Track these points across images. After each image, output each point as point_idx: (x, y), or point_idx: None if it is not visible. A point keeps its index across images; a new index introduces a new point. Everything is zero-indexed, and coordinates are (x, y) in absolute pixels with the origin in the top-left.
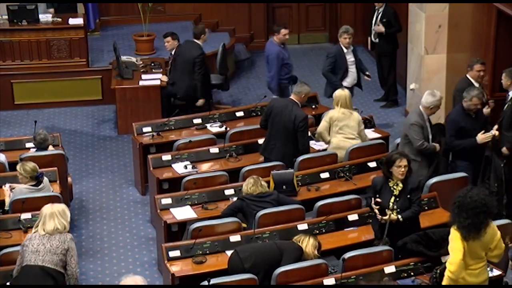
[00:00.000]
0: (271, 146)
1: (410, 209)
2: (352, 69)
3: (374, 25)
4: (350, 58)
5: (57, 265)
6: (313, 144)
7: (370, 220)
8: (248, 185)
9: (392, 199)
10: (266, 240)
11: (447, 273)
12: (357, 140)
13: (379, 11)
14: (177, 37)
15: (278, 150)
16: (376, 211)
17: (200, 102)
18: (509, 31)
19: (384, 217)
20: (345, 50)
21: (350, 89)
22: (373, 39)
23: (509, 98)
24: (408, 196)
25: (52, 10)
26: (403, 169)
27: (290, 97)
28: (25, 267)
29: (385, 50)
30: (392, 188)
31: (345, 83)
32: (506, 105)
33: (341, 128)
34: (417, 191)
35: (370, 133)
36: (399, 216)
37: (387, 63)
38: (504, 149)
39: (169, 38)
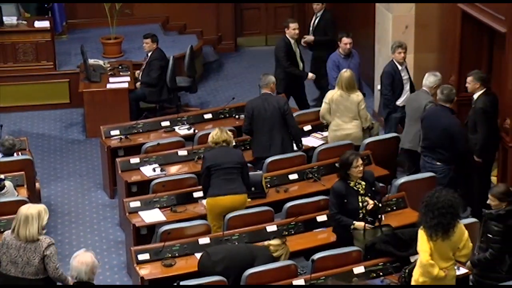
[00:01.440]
0: (266, 144)
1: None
2: (407, 87)
3: (311, 29)
4: (404, 75)
5: (38, 274)
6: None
7: (337, 229)
8: (214, 135)
9: (360, 199)
10: (236, 242)
11: (418, 278)
12: (354, 122)
13: (317, 16)
14: (157, 40)
15: (276, 144)
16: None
17: None
18: (474, 32)
19: (369, 207)
20: (399, 67)
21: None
22: (304, 45)
23: (474, 101)
24: (373, 188)
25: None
26: (360, 168)
27: (262, 92)
28: (4, 275)
29: (320, 55)
30: (355, 188)
31: (398, 103)
32: (471, 109)
33: (338, 111)
34: (375, 181)
35: None
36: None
37: (323, 68)
38: (475, 157)
39: (148, 40)
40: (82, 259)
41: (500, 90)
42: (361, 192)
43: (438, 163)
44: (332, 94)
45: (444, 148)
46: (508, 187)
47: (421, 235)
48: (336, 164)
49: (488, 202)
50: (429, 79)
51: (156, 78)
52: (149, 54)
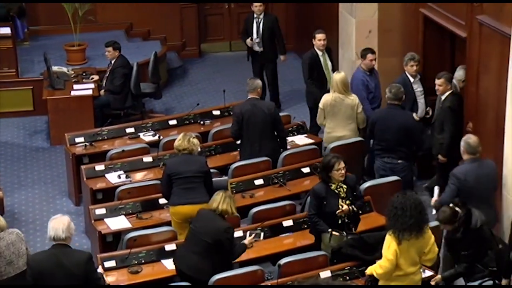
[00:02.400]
0: (255, 149)
1: (359, 201)
2: (421, 100)
3: (256, 34)
4: (417, 87)
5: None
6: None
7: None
8: (176, 143)
9: (340, 201)
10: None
11: (374, 273)
12: (350, 126)
13: (259, 19)
14: (118, 47)
15: (265, 148)
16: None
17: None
18: (436, 36)
19: (342, 209)
20: (411, 80)
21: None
22: (257, 48)
23: (442, 101)
24: (354, 193)
25: None
26: (342, 171)
27: (248, 97)
28: (6, 281)
29: (270, 57)
30: (337, 191)
31: (415, 116)
32: (439, 109)
33: (333, 114)
34: (357, 186)
35: (303, 139)
36: (353, 207)
37: (274, 70)
38: (440, 157)
39: (110, 48)
40: (59, 220)
41: (462, 94)
42: (342, 195)
43: (399, 161)
44: (327, 98)
45: (404, 145)
46: (453, 210)
47: (389, 241)
48: (318, 167)
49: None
50: (460, 73)
51: (119, 85)
52: (112, 62)
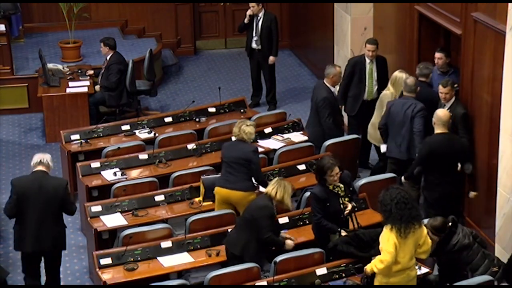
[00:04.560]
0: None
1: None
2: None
3: (255, 32)
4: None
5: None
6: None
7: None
8: (234, 127)
9: (341, 200)
10: (198, 246)
11: (374, 269)
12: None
13: (259, 17)
14: (110, 44)
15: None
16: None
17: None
18: (431, 33)
19: (348, 208)
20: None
21: None
22: (255, 46)
23: (447, 108)
24: (351, 188)
25: None
26: (335, 178)
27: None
28: None
29: (267, 55)
30: (335, 191)
31: None
32: None
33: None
34: (351, 181)
35: (299, 136)
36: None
37: (272, 67)
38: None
39: (101, 44)
40: (41, 153)
41: (458, 90)
42: (341, 194)
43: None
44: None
45: None
46: (444, 222)
47: (388, 234)
48: (314, 167)
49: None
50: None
51: (115, 82)
52: (107, 58)
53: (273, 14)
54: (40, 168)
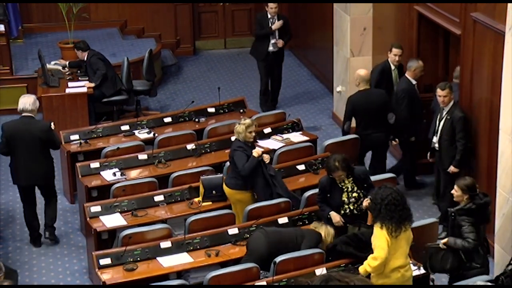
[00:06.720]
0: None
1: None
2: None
3: (271, 35)
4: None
5: None
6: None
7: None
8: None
9: (345, 195)
10: (198, 246)
11: (367, 268)
12: None
13: (274, 20)
14: (82, 47)
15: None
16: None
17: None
18: (430, 33)
19: (364, 204)
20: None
21: None
22: (271, 48)
23: (445, 113)
24: (365, 185)
25: None
26: (340, 179)
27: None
28: None
29: (280, 58)
30: (341, 185)
31: None
32: (443, 121)
33: None
34: (368, 177)
35: (298, 136)
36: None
37: (281, 70)
38: (452, 168)
39: (76, 51)
40: (27, 96)
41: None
42: (349, 189)
43: None
44: None
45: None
46: (473, 182)
47: (379, 232)
48: (313, 164)
49: (452, 191)
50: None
51: (101, 69)
52: (85, 59)
53: (285, 16)
54: (25, 114)
